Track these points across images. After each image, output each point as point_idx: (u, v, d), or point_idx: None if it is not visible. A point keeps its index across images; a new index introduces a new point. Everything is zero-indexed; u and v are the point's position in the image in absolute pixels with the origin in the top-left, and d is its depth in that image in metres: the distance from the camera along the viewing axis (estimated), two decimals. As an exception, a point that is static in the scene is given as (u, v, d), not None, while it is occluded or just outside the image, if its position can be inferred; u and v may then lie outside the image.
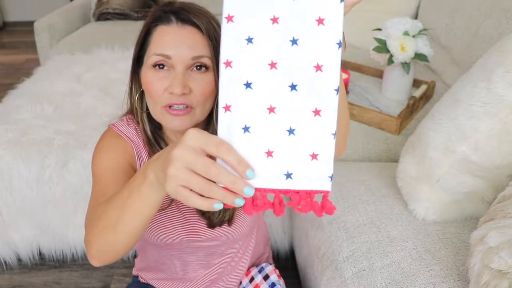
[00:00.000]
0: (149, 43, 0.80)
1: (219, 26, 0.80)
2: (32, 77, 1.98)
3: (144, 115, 0.87)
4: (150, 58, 0.79)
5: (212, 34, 0.79)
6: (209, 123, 0.88)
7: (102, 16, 2.88)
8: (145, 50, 0.81)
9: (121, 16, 2.87)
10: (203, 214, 0.92)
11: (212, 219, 0.91)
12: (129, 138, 0.89)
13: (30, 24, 2.73)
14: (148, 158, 0.90)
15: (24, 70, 2.79)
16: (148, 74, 0.79)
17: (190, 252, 0.99)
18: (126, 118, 0.93)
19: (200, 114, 0.81)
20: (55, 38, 2.60)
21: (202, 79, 0.79)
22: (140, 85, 0.85)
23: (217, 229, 0.94)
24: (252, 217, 0.98)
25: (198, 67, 0.79)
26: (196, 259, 1.02)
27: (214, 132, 0.79)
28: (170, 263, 1.03)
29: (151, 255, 1.04)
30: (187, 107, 0.79)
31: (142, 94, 0.86)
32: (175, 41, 0.78)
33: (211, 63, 0.79)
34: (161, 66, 0.79)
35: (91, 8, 3.00)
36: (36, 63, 2.62)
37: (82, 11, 2.95)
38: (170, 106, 0.78)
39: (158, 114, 0.81)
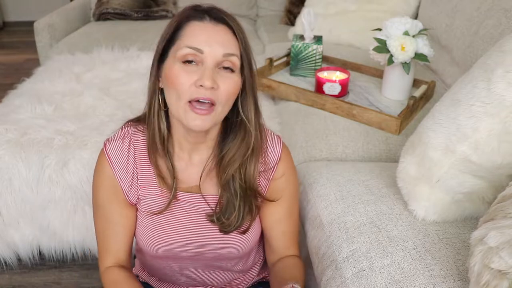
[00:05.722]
0: (179, 37, 0.81)
1: (244, 32, 0.84)
2: (32, 77, 1.98)
3: (163, 112, 0.87)
4: (180, 50, 0.79)
5: (241, 36, 0.82)
6: (226, 131, 0.89)
7: (102, 16, 2.88)
8: (173, 44, 0.82)
9: (121, 16, 2.87)
10: (218, 220, 0.91)
11: (226, 225, 0.92)
12: (110, 161, 0.90)
13: (30, 24, 2.73)
14: (150, 160, 0.90)
15: (24, 70, 2.78)
16: (175, 67, 0.80)
17: (189, 263, 0.99)
18: (126, 129, 0.93)
19: (220, 113, 0.82)
20: (55, 38, 2.60)
21: (229, 77, 0.81)
22: (159, 82, 0.85)
23: (216, 241, 0.94)
24: (254, 235, 0.98)
25: (225, 68, 0.81)
26: (195, 272, 1.02)
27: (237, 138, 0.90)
28: (171, 275, 1.03)
29: (152, 265, 1.04)
30: (211, 104, 0.79)
31: (160, 92, 0.86)
32: (208, 37, 0.79)
33: (239, 63, 0.81)
34: (190, 61, 0.80)
35: (91, 8, 3.00)
36: (36, 63, 2.62)
37: (82, 11, 2.95)
38: (195, 101, 0.79)
39: (180, 110, 0.81)
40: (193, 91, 0.78)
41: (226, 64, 0.80)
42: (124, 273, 0.91)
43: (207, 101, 0.79)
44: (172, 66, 0.80)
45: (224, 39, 0.80)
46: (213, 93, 0.79)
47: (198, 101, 0.79)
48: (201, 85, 0.78)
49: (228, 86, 0.80)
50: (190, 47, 0.79)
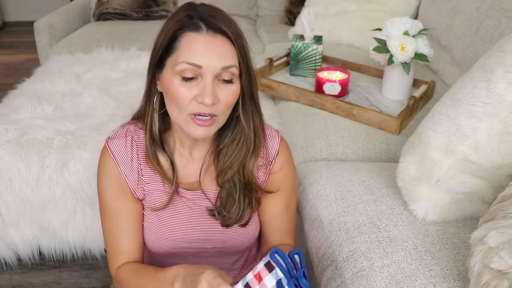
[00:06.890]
0: (176, 49, 0.79)
1: (242, 34, 0.82)
2: (32, 77, 1.98)
3: (156, 114, 0.87)
4: (179, 65, 0.78)
5: (240, 43, 0.80)
6: (224, 127, 0.89)
7: (102, 16, 2.88)
8: (169, 55, 0.80)
9: (121, 16, 2.87)
10: (219, 213, 0.92)
11: (227, 218, 0.92)
12: (115, 158, 0.91)
13: (30, 24, 2.73)
14: (147, 161, 0.90)
15: (24, 70, 2.79)
16: (174, 81, 0.79)
17: (192, 260, 0.99)
18: (127, 127, 0.93)
19: (221, 121, 0.83)
20: (55, 38, 2.60)
21: (228, 88, 0.80)
22: (156, 88, 0.85)
23: (218, 234, 0.95)
24: (255, 228, 0.99)
25: (225, 80, 0.80)
26: None
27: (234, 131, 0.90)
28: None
29: (155, 263, 1.04)
30: (212, 116, 0.80)
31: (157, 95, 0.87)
32: (206, 51, 0.77)
33: (238, 72, 0.81)
34: (189, 78, 0.78)
35: (91, 8, 3.00)
36: (36, 63, 2.62)
37: (82, 11, 2.95)
38: (196, 115, 0.79)
39: (182, 121, 0.81)
40: (194, 106, 0.79)
41: (226, 77, 0.79)
42: (138, 263, 0.92)
43: (208, 116, 0.79)
44: (172, 80, 0.79)
45: (222, 52, 0.78)
46: (213, 108, 0.79)
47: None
48: (201, 102, 0.78)
49: (227, 98, 0.80)
50: (188, 63, 0.77)
